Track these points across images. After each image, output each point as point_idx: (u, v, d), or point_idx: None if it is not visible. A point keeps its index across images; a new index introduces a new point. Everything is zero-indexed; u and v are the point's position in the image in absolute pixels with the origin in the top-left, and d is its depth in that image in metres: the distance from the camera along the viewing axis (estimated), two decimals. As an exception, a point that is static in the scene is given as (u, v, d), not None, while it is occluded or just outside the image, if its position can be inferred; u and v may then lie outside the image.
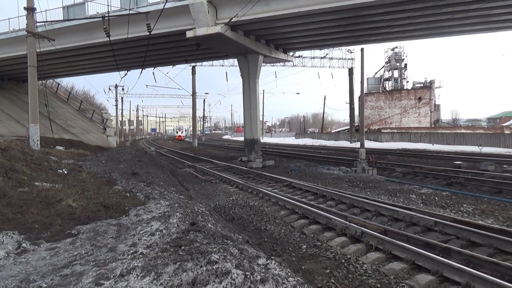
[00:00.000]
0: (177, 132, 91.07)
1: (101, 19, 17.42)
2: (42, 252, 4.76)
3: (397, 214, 8.36)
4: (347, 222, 7.42)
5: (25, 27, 18.94)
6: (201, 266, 3.28)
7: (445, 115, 77.39)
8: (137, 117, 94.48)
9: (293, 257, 6.29)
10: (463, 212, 9.22)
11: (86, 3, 20.87)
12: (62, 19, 21.35)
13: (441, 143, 35.07)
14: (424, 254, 5.60)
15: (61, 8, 21.71)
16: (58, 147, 20.69)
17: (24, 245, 4.95)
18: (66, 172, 11.29)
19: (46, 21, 20.07)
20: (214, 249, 3.79)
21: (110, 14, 17.51)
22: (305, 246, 6.74)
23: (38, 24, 18.25)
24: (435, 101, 56.31)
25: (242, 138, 38.35)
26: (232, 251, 3.79)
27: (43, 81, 34.55)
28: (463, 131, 41.21)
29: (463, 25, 19.76)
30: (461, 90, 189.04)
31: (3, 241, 4.92)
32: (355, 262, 5.85)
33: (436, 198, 10.66)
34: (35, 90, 17.44)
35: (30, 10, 17.40)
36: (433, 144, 34.98)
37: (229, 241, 4.67)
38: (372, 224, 7.58)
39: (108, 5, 18.92)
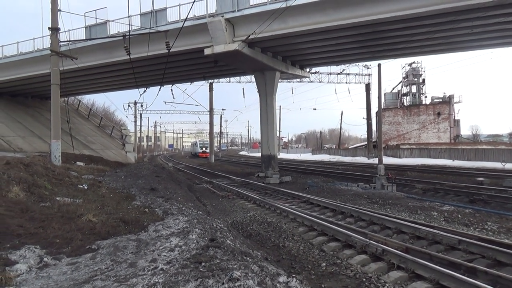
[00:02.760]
0: (201, 148, 70.45)
1: (122, 38, 17.82)
2: (63, 267, 4.80)
3: (419, 232, 8.15)
4: (368, 240, 7.27)
5: (49, 46, 19.58)
6: (222, 283, 3.25)
7: (465, 131, 75.74)
8: (155, 133, 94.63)
9: (312, 275, 6.18)
10: (488, 230, 8.95)
11: (107, 22, 21.47)
12: (84, 38, 22.02)
13: (461, 159, 34.30)
14: (449, 274, 5.43)
15: (84, 28, 22.39)
16: (78, 163, 21.06)
17: (45, 259, 5.00)
18: (86, 187, 11.46)
19: (69, 41, 20.71)
20: (235, 266, 3.75)
21: (130, 33, 17.93)
22: (324, 264, 6.63)
23: (61, 43, 18.82)
24: (454, 116, 55.37)
25: (258, 154, 38.33)
26: (253, 268, 3.75)
27: (65, 98, 35.47)
28: (484, 146, 40.25)
29: (483, 39, 19.51)
30: (481, 105, 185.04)
31: (25, 256, 4.99)
32: (377, 281, 5.72)
33: (459, 216, 10.36)
34: (58, 107, 17.87)
35: (54, 30, 17.98)
36: (453, 160, 34.26)
37: (248, 258, 4.62)
38: (393, 242, 7.41)
39: (129, 24, 19.38)
